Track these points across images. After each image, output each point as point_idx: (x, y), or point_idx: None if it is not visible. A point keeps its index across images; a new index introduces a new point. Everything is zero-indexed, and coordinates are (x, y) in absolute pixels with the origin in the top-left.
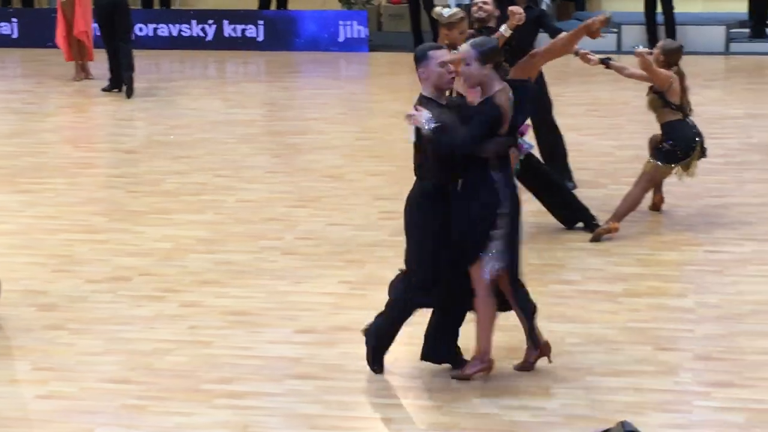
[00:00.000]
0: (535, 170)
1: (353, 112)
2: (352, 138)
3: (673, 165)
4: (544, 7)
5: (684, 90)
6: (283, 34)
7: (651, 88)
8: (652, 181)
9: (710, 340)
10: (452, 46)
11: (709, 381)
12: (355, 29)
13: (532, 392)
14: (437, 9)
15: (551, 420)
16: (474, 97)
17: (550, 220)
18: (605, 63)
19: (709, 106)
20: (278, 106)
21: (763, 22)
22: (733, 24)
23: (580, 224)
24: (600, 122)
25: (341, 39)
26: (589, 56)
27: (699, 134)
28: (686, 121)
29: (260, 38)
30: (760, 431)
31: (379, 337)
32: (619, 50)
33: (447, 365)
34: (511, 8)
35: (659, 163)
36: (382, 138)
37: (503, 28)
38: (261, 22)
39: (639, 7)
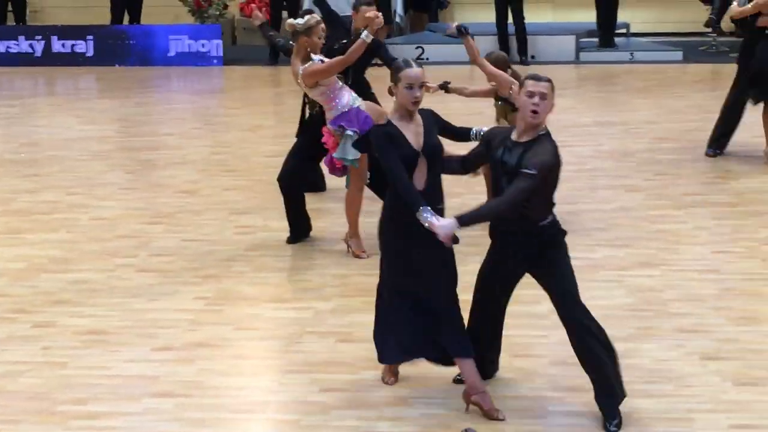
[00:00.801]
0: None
1: (208, 126)
2: (207, 152)
3: None
4: (397, 19)
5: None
6: (137, 49)
7: (497, 98)
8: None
9: (564, 346)
10: (312, 52)
11: (564, 386)
12: (209, 43)
13: (390, 403)
14: (290, 20)
15: (410, 430)
16: None
17: None
18: (445, 88)
19: (560, 115)
20: (132, 121)
21: (611, 31)
22: (583, 34)
23: None
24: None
25: (195, 53)
26: (428, 84)
27: None
28: None
29: (100, 53)
30: None
31: None
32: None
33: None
34: (368, 14)
35: None
36: (237, 152)
37: (364, 33)
38: (118, 37)
39: (490, 17)
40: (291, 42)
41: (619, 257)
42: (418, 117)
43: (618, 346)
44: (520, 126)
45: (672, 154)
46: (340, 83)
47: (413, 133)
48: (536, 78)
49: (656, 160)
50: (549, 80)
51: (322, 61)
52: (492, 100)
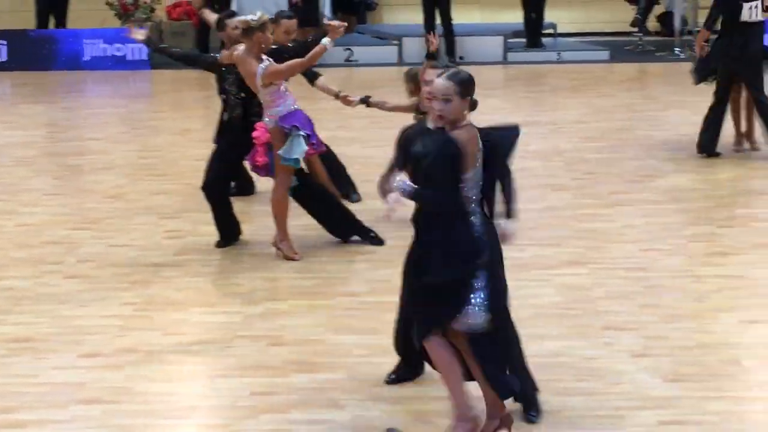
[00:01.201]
0: (309, 186)
1: (135, 130)
2: (135, 157)
3: None
4: (326, 20)
5: None
6: (63, 53)
7: (417, 111)
8: None
9: None
10: (266, 49)
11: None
12: (137, 47)
13: (320, 405)
14: (240, 18)
15: None
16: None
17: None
18: (365, 102)
19: (489, 115)
20: (58, 127)
21: (538, 32)
22: (510, 34)
23: (356, 237)
24: (384, 134)
25: (122, 57)
26: (349, 98)
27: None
28: None
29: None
30: (546, 430)
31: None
32: (400, 63)
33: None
34: (330, 22)
35: None
36: (166, 156)
37: (326, 41)
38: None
39: (418, 19)
40: (219, 50)
41: (548, 256)
42: None
43: (547, 345)
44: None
45: (600, 153)
46: (284, 84)
47: None
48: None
49: (584, 159)
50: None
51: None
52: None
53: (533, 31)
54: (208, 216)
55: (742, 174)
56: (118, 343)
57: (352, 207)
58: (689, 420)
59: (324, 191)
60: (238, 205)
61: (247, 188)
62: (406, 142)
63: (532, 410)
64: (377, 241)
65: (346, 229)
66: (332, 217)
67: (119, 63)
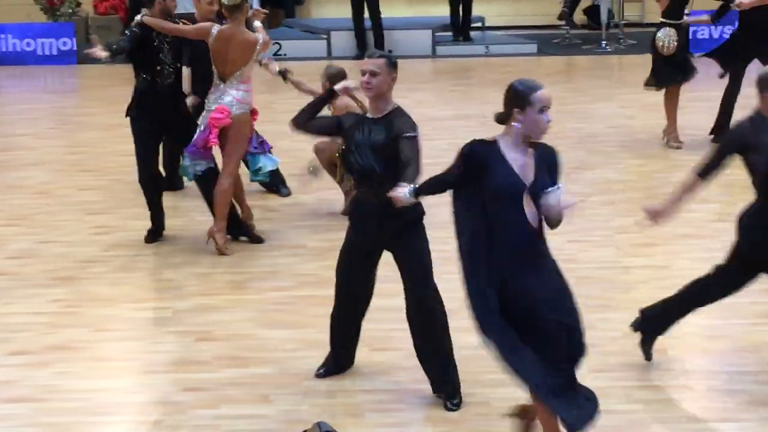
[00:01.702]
0: (214, 177)
1: (63, 126)
2: (63, 153)
3: None
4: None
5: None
6: None
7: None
8: None
9: None
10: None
11: (423, 378)
12: (62, 42)
13: (250, 400)
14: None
15: (271, 427)
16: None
17: (264, 227)
18: (283, 75)
19: (418, 109)
20: None
21: (467, 25)
22: (438, 28)
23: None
24: None
25: (48, 52)
26: (270, 66)
27: None
28: None
29: None
30: (473, 425)
31: None
32: (329, 56)
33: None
34: (256, 8)
35: None
36: (94, 152)
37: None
38: None
39: (347, 13)
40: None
41: None
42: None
43: (474, 338)
44: (371, 105)
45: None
46: None
47: (521, 165)
48: (369, 56)
49: None
50: (383, 56)
51: None
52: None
53: (462, 25)
54: (136, 211)
55: (669, 166)
56: (45, 341)
57: (284, 201)
58: (616, 409)
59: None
60: (167, 200)
61: (175, 183)
62: (348, 128)
63: (454, 399)
64: (258, 239)
65: (233, 227)
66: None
67: (46, 58)
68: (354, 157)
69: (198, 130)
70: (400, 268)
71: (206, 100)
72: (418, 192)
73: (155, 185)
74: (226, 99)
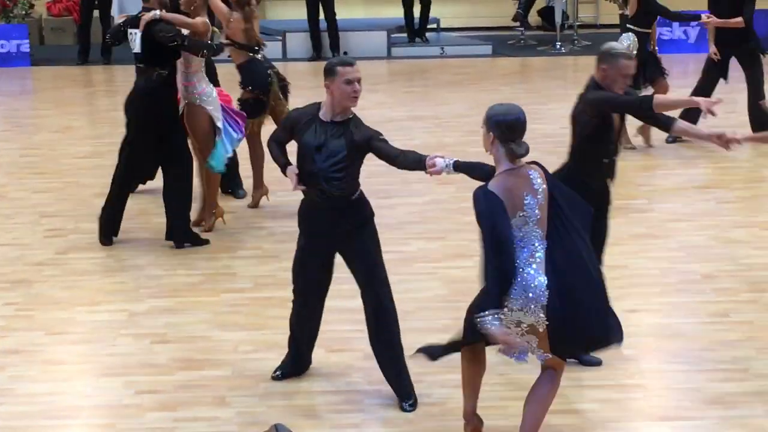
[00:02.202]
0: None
1: (17, 128)
2: (16, 155)
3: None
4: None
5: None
6: None
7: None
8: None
9: None
10: None
11: (380, 379)
12: (16, 43)
13: (206, 402)
14: None
15: (228, 429)
16: None
17: (220, 229)
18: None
19: (373, 110)
20: None
21: (424, 26)
22: (393, 29)
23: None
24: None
25: (2, 53)
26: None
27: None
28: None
29: None
30: (430, 424)
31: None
32: (284, 58)
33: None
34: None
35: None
36: (48, 154)
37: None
38: None
39: (302, 14)
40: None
41: (433, 249)
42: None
43: (433, 338)
44: (335, 109)
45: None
46: None
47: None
48: (350, 64)
49: (468, 153)
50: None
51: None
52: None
53: (421, 26)
54: (89, 214)
55: (623, 166)
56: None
57: (240, 203)
58: (570, 409)
59: (188, 188)
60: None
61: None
62: (293, 124)
63: (409, 400)
64: (203, 241)
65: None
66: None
67: (0, 60)
68: (305, 160)
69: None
70: (353, 269)
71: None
72: (456, 167)
73: (133, 186)
74: (206, 86)
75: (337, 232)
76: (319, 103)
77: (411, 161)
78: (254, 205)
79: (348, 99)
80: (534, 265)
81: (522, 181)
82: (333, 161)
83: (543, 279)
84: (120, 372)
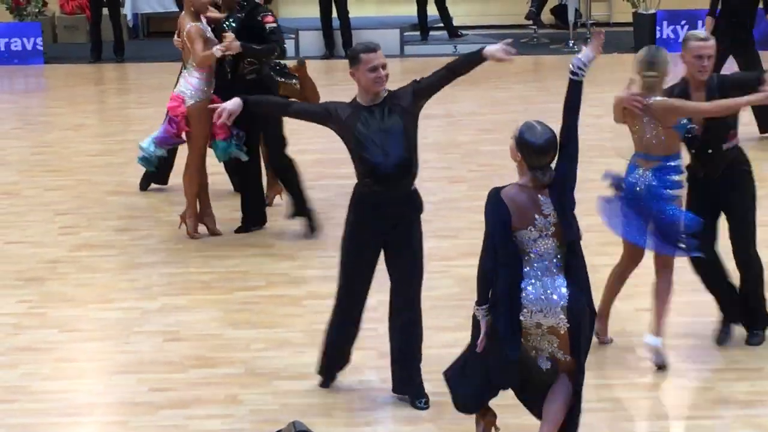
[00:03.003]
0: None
1: (29, 126)
2: (28, 153)
3: None
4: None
5: None
6: None
7: None
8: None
9: None
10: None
11: (390, 377)
12: (29, 41)
13: (219, 400)
14: None
15: (241, 426)
16: None
17: (233, 226)
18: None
19: None
20: None
21: (449, 23)
22: (406, 27)
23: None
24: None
25: (15, 51)
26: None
27: None
28: None
29: None
30: (443, 422)
31: None
32: (297, 55)
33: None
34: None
35: None
36: (60, 152)
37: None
38: None
39: (315, 12)
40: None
41: (446, 248)
42: None
43: (446, 336)
44: (368, 94)
45: (495, 145)
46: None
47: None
48: (373, 50)
49: (480, 152)
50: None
51: None
52: None
53: (445, 24)
54: (102, 211)
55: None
56: (12, 342)
57: None
58: (585, 408)
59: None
60: (140, 199)
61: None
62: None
63: (423, 398)
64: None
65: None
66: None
67: (12, 57)
68: (364, 150)
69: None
70: (391, 261)
71: None
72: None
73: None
74: (180, 87)
75: (388, 222)
76: (354, 99)
77: (466, 61)
78: (269, 203)
79: (374, 85)
80: (554, 270)
81: (533, 203)
82: (394, 145)
83: (562, 281)
84: (133, 369)
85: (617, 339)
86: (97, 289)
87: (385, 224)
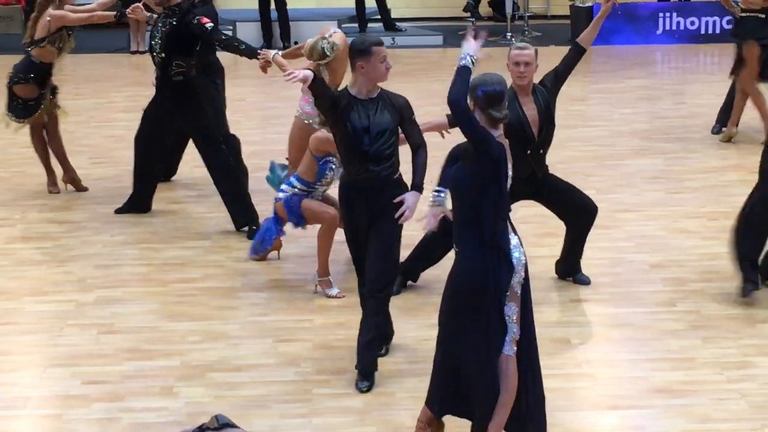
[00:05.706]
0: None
1: None
2: None
3: None
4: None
5: None
6: None
7: None
8: None
9: (328, 330)
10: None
11: (329, 369)
12: None
13: (154, 393)
14: None
15: (176, 419)
16: None
17: (170, 218)
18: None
19: None
20: None
21: (387, 17)
22: (344, 19)
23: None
24: None
25: None
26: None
27: None
28: None
29: None
30: (377, 414)
31: None
32: None
33: None
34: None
35: None
36: None
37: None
38: None
39: (253, 4)
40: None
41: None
42: None
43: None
44: (369, 86)
45: (434, 136)
46: None
47: None
48: (381, 43)
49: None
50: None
51: None
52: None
53: (383, 18)
54: (36, 203)
55: (573, 157)
56: None
57: (189, 192)
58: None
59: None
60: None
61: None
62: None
63: (365, 382)
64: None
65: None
66: None
67: None
68: (353, 142)
69: None
70: (370, 237)
71: None
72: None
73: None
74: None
75: (374, 209)
76: (345, 89)
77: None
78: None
79: (384, 76)
80: (511, 232)
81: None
82: (382, 141)
83: (517, 240)
84: (67, 362)
85: (552, 330)
86: (31, 282)
87: (363, 211)
